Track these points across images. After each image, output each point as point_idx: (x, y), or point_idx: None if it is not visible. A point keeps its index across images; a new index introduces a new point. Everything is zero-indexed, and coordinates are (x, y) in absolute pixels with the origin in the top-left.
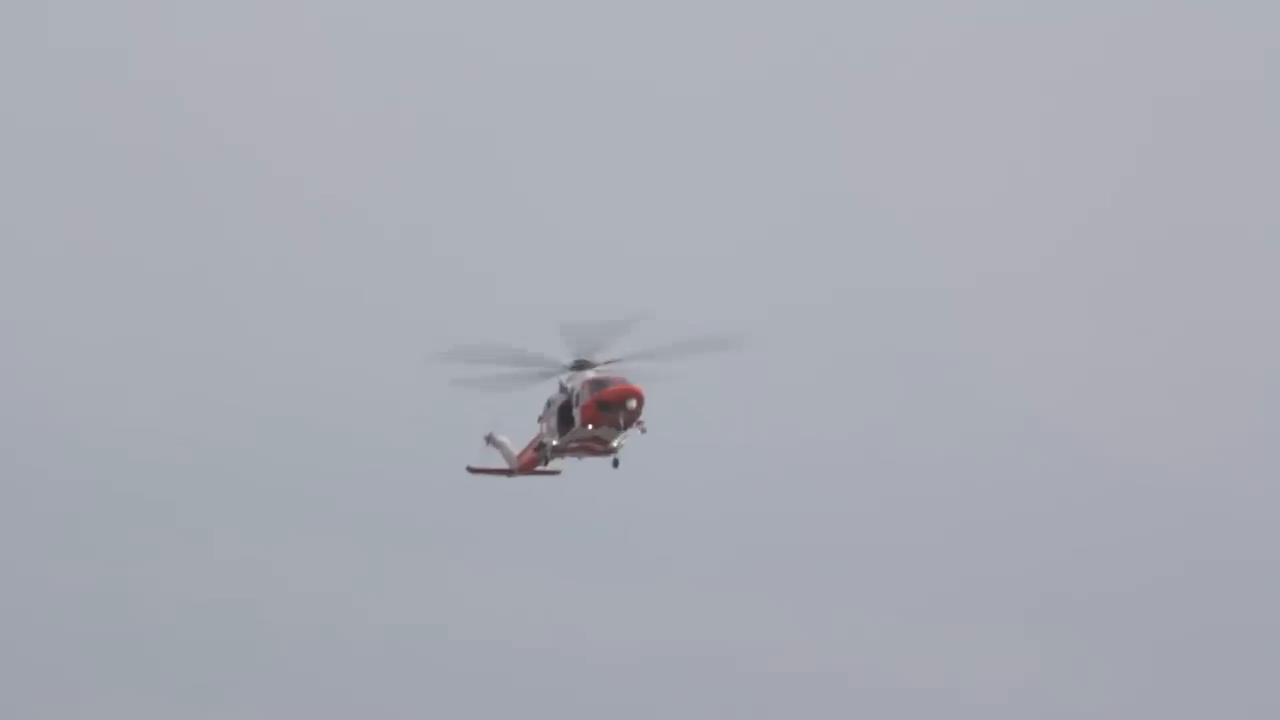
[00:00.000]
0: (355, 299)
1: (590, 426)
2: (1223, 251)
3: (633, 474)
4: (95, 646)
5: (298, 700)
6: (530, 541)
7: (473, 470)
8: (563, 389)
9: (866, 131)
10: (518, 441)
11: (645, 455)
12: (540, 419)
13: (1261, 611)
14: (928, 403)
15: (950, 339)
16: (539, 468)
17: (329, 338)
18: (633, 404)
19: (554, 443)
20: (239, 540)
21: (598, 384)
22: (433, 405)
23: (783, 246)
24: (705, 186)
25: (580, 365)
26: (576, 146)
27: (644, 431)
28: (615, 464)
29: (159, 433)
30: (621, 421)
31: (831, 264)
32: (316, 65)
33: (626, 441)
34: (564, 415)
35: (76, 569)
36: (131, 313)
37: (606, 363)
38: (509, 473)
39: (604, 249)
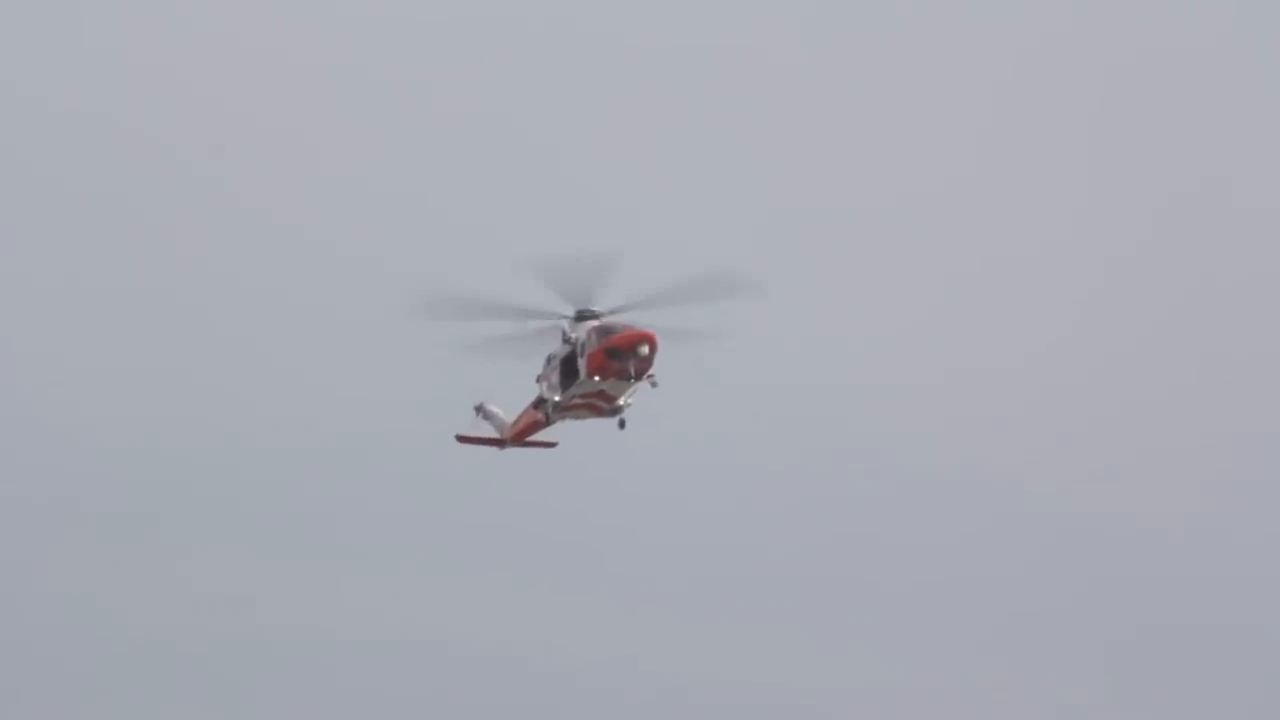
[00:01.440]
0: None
1: (597, 378)
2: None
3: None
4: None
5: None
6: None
7: (462, 439)
8: (566, 340)
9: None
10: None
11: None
12: (539, 378)
13: None
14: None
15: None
16: (535, 437)
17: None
18: (645, 350)
19: (556, 398)
20: (195, 524)
21: (605, 330)
22: (418, 366)
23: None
24: (710, 131)
25: (583, 316)
26: (570, 89)
27: (655, 385)
28: (621, 424)
29: (108, 388)
30: (632, 371)
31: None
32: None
33: (634, 400)
34: (567, 368)
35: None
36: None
37: (611, 312)
38: (500, 444)
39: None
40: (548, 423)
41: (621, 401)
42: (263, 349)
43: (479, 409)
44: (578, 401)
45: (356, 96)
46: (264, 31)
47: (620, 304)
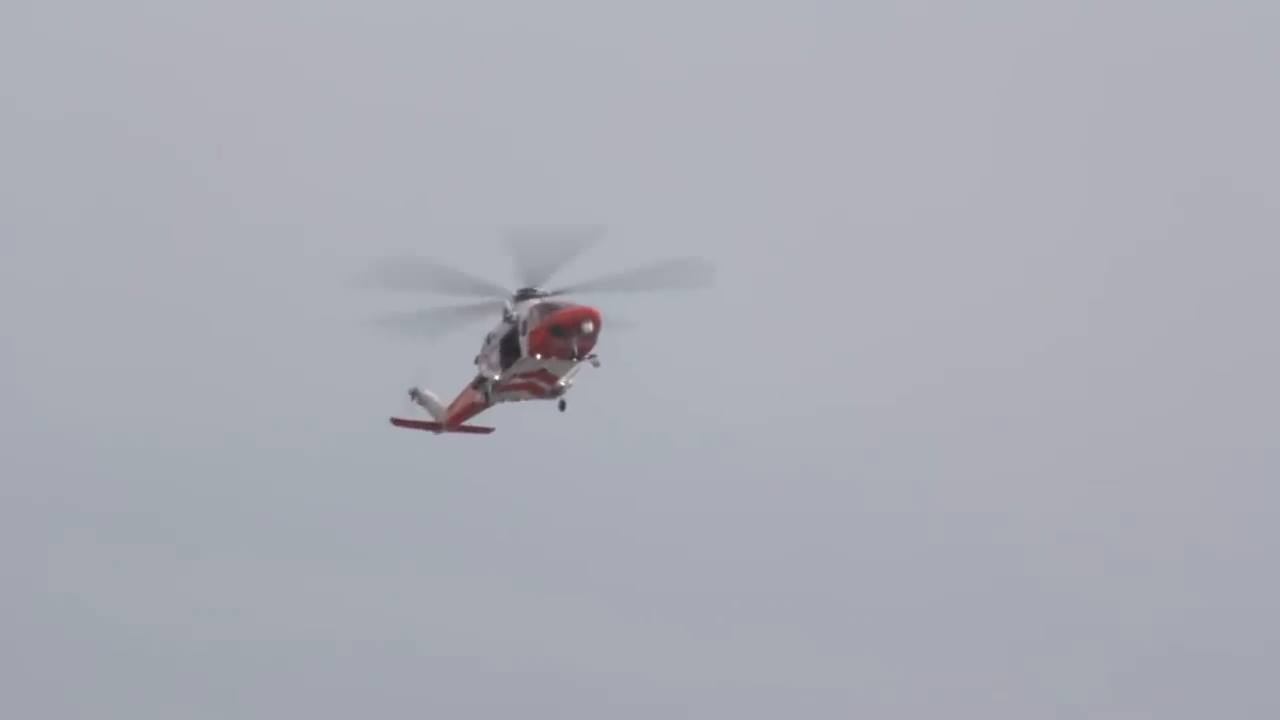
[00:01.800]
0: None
1: (539, 356)
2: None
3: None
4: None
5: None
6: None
7: (397, 423)
8: (507, 318)
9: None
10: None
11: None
12: (478, 359)
13: None
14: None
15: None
16: (471, 421)
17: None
18: (589, 327)
19: (496, 377)
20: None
21: (548, 308)
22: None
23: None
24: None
25: (526, 294)
26: (537, 61)
27: (597, 365)
28: (562, 406)
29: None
30: (575, 349)
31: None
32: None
33: (575, 381)
34: (508, 346)
35: None
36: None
37: (555, 292)
38: (436, 428)
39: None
40: (486, 404)
41: (562, 382)
42: (199, 332)
43: (414, 393)
44: (518, 381)
45: (314, 75)
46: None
47: (566, 285)
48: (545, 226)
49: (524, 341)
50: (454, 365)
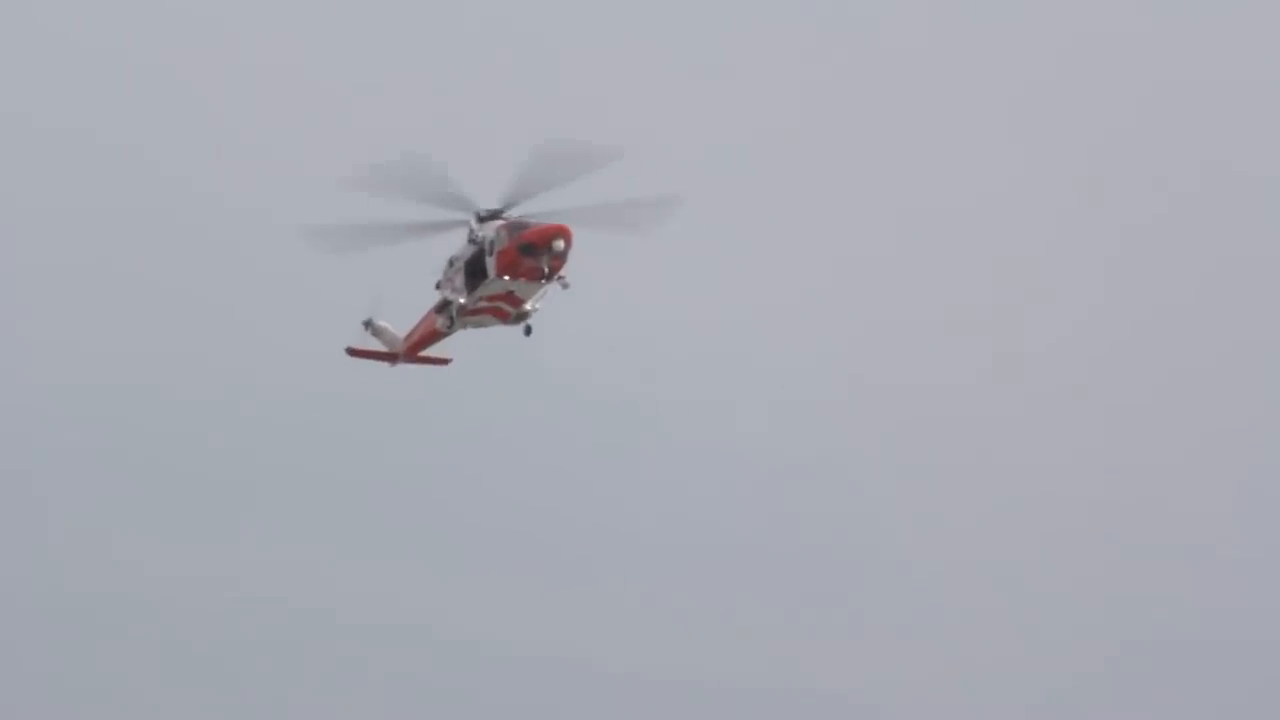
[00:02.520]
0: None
1: (507, 277)
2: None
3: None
4: None
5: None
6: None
7: (352, 353)
8: (472, 240)
9: None
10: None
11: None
12: (439, 284)
13: None
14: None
15: None
16: (429, 352)
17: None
18: (560, 245)
19: (461, 301)
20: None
21: (517, 227)
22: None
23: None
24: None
25: (491, 216)
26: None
27: (566, 287)
28: (528, 331)
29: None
30: (545, 269)
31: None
32: None
33: (542, 304)
34: (474, 269)
35: None
36: None
37: (520, 216)
38: (393, 359)
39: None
40: (450, 331)
41: (529, 306)
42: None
43: (367, 324)
44: (483, 305)
45: None
46: None
47: (533, 209)
48: (563, 142)
49: (491, 262)
50: (412, 294)
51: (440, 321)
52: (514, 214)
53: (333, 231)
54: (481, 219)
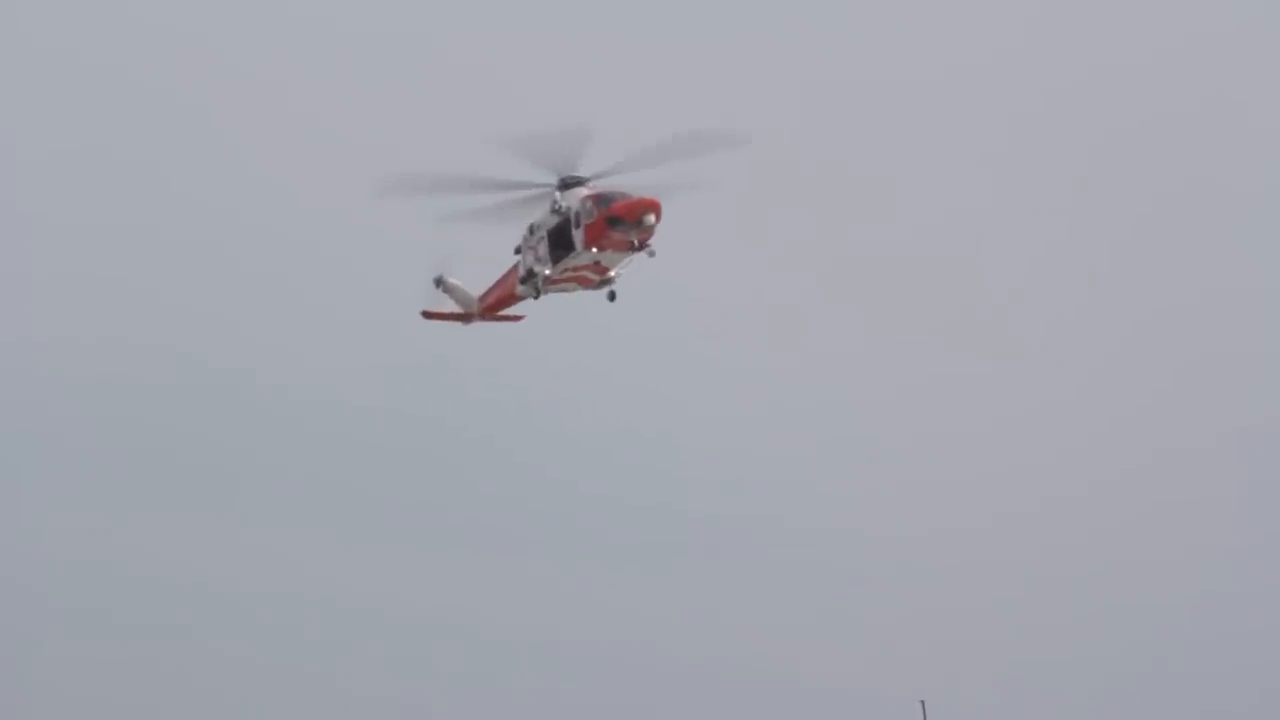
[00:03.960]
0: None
1: (596, 250)
2: None
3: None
4: None
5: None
6: None
7: (428, 315)
8: (555, 210)
9: None
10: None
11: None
12: (520, 249)
13: None
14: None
15: None
16: (508, 311)
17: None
18: (651, 220)
19: (547, 272)
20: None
21: (604, 199)
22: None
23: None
24: None
25: (568, 183)
26: None
27: (652, 255)
28: (611, 296)
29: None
30: (635, 241)
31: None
32: None
33: (625, 270)
34: (559, 239)
35: None
36: None
37: (596, 176)
38: (467, 318)
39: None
40: (536, 298)
41: (613, 273)
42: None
43: (438, 282)
44: (568, 274)
45: None
46: None
47: (605, 168)
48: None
49: (578, 235)
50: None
51: (524, 290)
52: (590, 176)
53: (410, 184)
54: (565, 186)
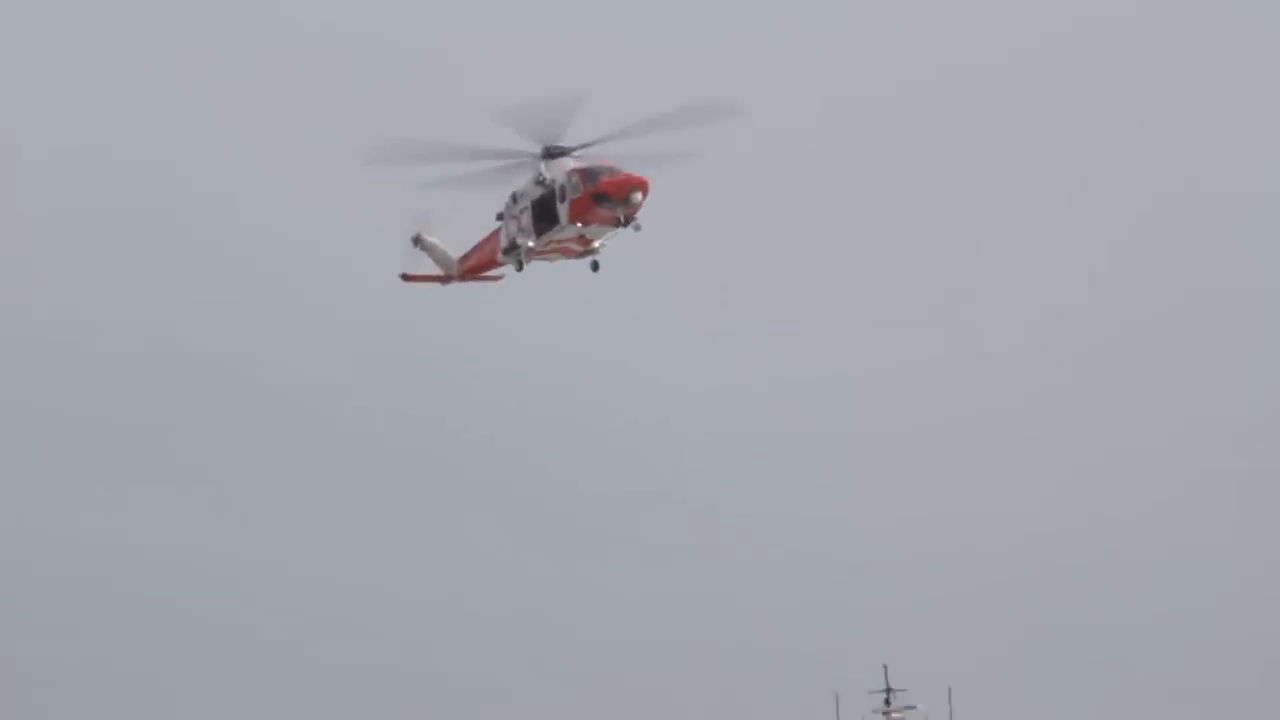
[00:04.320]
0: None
1: (580, 224)
2: None
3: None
4: None
5: None
6: None
7: (407, 278)
8: (540, 181)
9: None
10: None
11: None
12: (502, 216)
13: None
14: None
15: None
16: (488, 273)
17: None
18: (638, 197)
19: (530, 244)
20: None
21: (591, 174)
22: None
23: None
24: None
25: (552, 153)
26: None
27: (638, 229)
28: (595, 267)
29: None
30: (621, 218)
31: None
32: None
33: (608, 241)
34: (543, 212)
35: None
36: None
37: (581, 147)
38: (446, 279)
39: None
40: (519, 269)
41: (596, 244)
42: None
43: (416, 240)
44: (552, 246)
45: None
46: None
47: (591, 138)
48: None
49: (563, 209)
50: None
51: (505, 259)
52: (574, 146)
53: (394, 151)
54: (549, 155)
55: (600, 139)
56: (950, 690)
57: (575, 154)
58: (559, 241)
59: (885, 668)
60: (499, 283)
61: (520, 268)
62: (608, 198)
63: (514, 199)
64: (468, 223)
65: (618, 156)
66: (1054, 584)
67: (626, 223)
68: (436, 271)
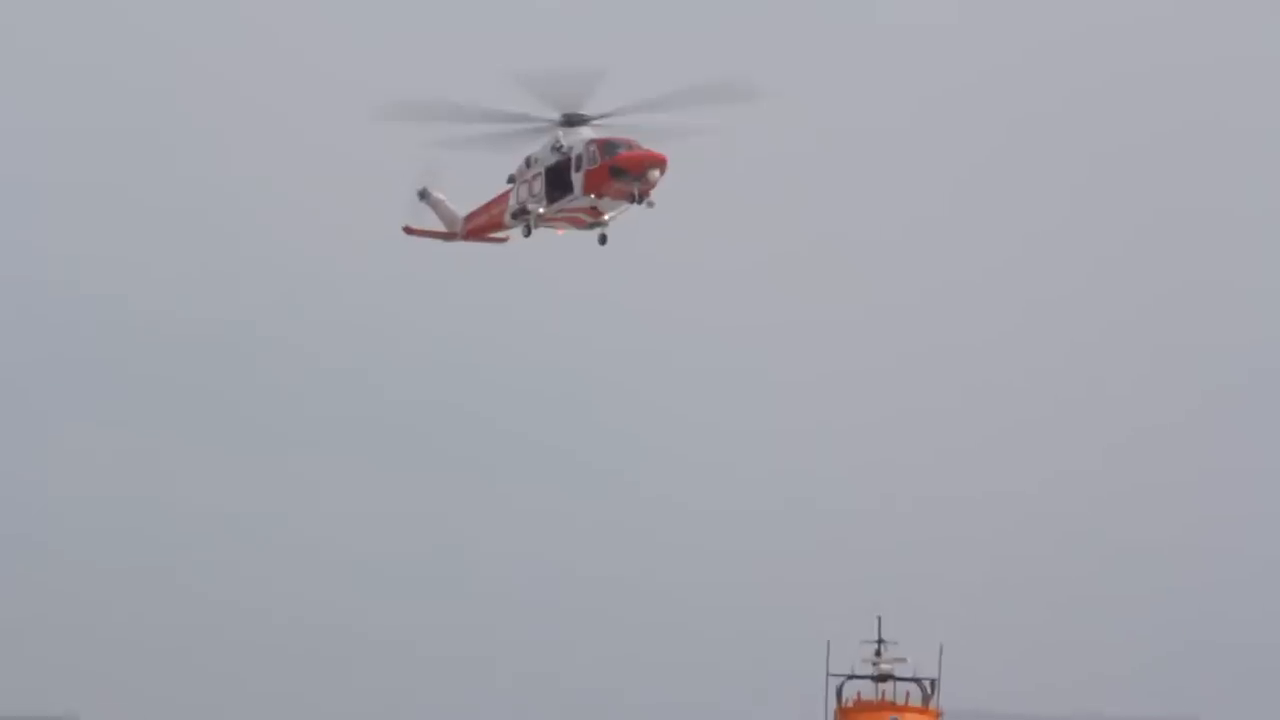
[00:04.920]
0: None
1: (594, 196)
2: None
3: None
4: None
5: None
6: None
7: (409, 231)
8: (556, 149)
9: None
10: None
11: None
12: (514, 179)
13: None
14: None
15: None
16: (493, 234)
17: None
18: (655, 174)
19: (541, 210)
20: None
21: (610, 147)
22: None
23: None
24: None
25: (571, 120)
26: None
27: (651, 205)
28: (602, 240)
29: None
30: (636, 193)
31: None
32: None
33: (618, 214)
34: (557, 179)
35: None
36: None
37: (601, 116)
38: (450, 237)
39: None
40: (527, 235)
41: (606, 217)
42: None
43: (422, 194)
44: (562, 215)
45: None
46: None
47: (610, 109)
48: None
49: (578, 179)
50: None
51: (513, 223)
52: (594, 115)
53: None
54: (568, 123)
55: (620, 109)
56: (941, 647)
57: (594, 122)
58: (570, 210)
59: (879, 619)
60: (503, 243)
61: (528, 233)
62: (625, 172)
63: (528, 163)
64: (479, 183)
65: (637, 130)
66: (1049, 559)
67: (640, 199)
68: (440, 228)
